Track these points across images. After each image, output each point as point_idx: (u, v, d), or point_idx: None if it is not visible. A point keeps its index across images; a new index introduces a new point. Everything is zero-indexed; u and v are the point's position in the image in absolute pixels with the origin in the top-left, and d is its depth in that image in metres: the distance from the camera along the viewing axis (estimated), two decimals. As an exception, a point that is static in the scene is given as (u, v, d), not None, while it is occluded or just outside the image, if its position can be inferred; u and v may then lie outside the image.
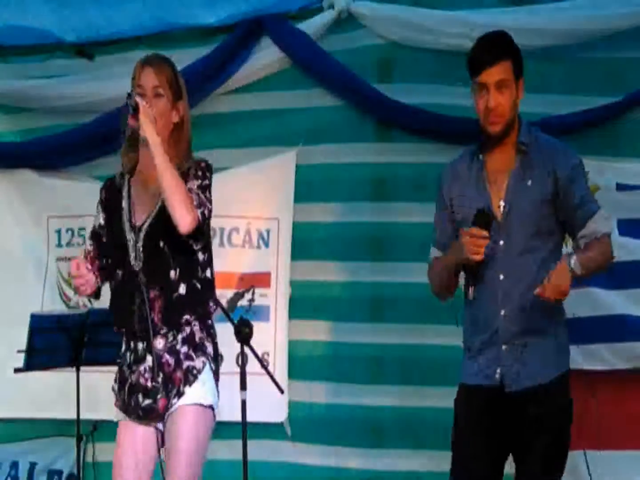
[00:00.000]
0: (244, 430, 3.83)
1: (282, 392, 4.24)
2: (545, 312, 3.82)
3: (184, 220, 3.74)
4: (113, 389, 3.97)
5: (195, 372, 3.85)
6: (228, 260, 5.75)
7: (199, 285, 3.88)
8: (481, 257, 3.74)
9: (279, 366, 5.64)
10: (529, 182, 3.85)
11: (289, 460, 5.71)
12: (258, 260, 5.81)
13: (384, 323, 5.63)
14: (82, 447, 5.72)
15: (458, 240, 3.83)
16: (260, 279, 5.79)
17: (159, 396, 3.84)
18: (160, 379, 3.84)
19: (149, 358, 3.85)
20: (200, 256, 3.90)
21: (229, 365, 5.52)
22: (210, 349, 3.90)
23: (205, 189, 3.86)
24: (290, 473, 5.71)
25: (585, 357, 5.24)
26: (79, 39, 6.04)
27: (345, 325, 5.67)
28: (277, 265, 5.76)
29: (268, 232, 5.80)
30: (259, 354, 3.93)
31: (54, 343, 5.25)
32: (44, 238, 6.09)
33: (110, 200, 3.99)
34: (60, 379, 5.65)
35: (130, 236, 3.88)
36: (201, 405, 3.84)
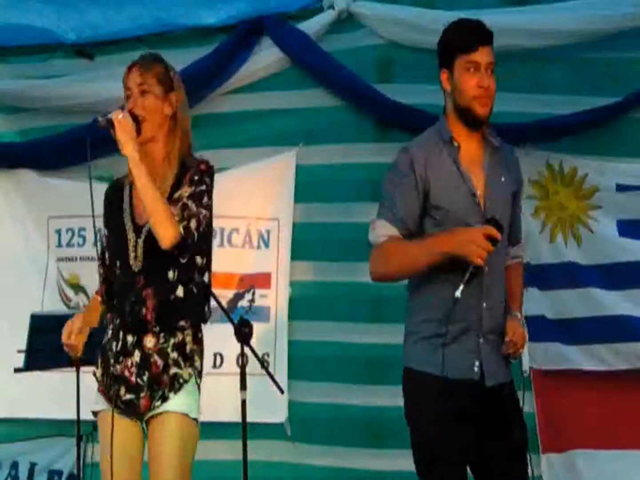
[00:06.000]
0: (244, 430, 3.82)
1: (282, 392, 4.24)
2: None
3: (164, 238, 3.74)
4: (95, 374, 3.96)
5: (181, 380, 3.82)
6: (228, 261, 5.74)
7: (195, 290, 3.86)
8: (482, 262, 3.66)
9: (279, 366, 5.64)
10: (502, 178, 3.85)
11: (289, 460, 5.71)
12: (258, 260, 5.80)
13: (384, 323, 5.62)
14: (82, 447, 5.71)
15: (458, 234, 3.68)
16: (260, 280, 5.79)
17: (142, 394, 3.82)
18: (145, 378, 3.82)
19: (137, 354, 3.83)
20: (199, 260, 3.87)
21: (229, 365, 5.52)
22: (198, 364, 3.89)
23: (201, 195, 3.81)
24: (290, 473, 5.71)
25: (584, 357, 5.25)
26: (79, 39, 6.04)
27: (345, 325, 5.67)
28: (277, 266, 5.76)
29: (268, 232, 5.80)
30: (259, 354, 3.93)
31: (54, 343, 5.20)
32: (44, 238, 6.09)
33: (112, 201, 3.99)
34: (60, 379, 5.64)
35: (131, 236, 3.87)
36: (187, 416, 3.81)
